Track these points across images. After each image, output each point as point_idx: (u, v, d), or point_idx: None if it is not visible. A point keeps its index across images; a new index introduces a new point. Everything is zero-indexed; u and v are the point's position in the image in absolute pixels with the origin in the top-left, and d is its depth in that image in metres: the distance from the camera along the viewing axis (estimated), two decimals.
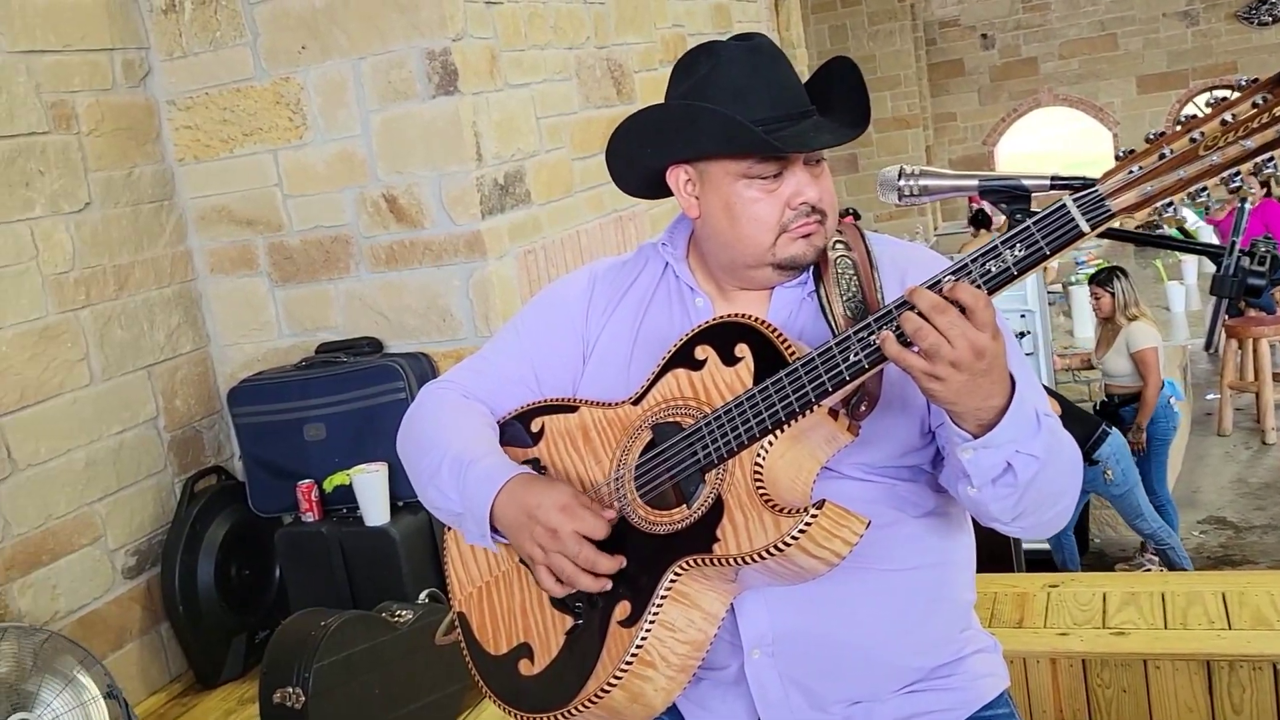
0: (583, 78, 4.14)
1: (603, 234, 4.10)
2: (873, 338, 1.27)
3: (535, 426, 1.58)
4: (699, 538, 1.34)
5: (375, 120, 3.46)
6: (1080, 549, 5.98)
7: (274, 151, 3.59)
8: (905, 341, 1.24)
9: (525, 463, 1.53)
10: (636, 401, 1.47)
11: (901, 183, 1.44)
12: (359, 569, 3.43)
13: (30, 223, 3.26)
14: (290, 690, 2.81)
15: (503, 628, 1.56)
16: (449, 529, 1.66)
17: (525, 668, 1.50)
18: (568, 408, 1.55)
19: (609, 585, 1.39)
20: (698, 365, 1.41)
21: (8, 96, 3.20)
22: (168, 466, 3.68)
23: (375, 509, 3.40)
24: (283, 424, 3.57)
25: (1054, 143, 18.73)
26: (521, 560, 1.50)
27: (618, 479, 1.45)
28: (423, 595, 3.20)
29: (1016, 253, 1.24)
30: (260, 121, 3.58)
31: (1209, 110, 1.22)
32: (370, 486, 3.39)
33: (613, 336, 1.57)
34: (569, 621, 1.46)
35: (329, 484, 3.47)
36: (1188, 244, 1.82)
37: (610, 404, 1.50)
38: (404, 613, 3.07)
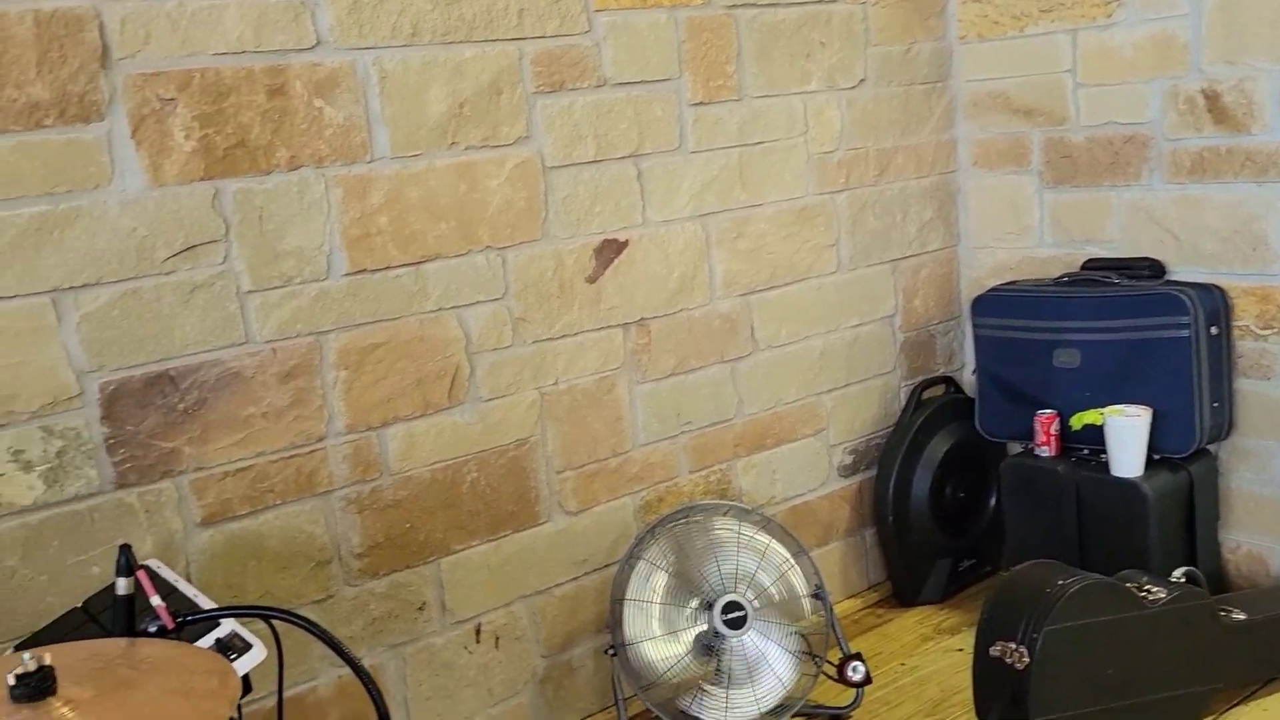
0: None
1: None
2: None
3: None
4: None
5: None
6: None
7: (1072, 32, 3.13)
8: None
9: None
10: None
11: None
12: (1095, 522, 2.96)
13: (805, 97, 3.13)
14: (1013, 646, 2.45)
15: None
16: None
17: None
18: None
19: None
20: None
21: None
22: (896, 369, 3.47)
23: (1127, 458, 2.90)
24: (1030, 343, 3.16)
25: None
26: None
27: None
28: (1178, 573, 2.66)
29: None
30: None
31: None
32: (1127, 432, 2.88)
33: None
34: None
35: (1077, 421, 3.01)
36: None
37: None
38: (1156, 589, 2.56)
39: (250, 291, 2.28)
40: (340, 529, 2.45)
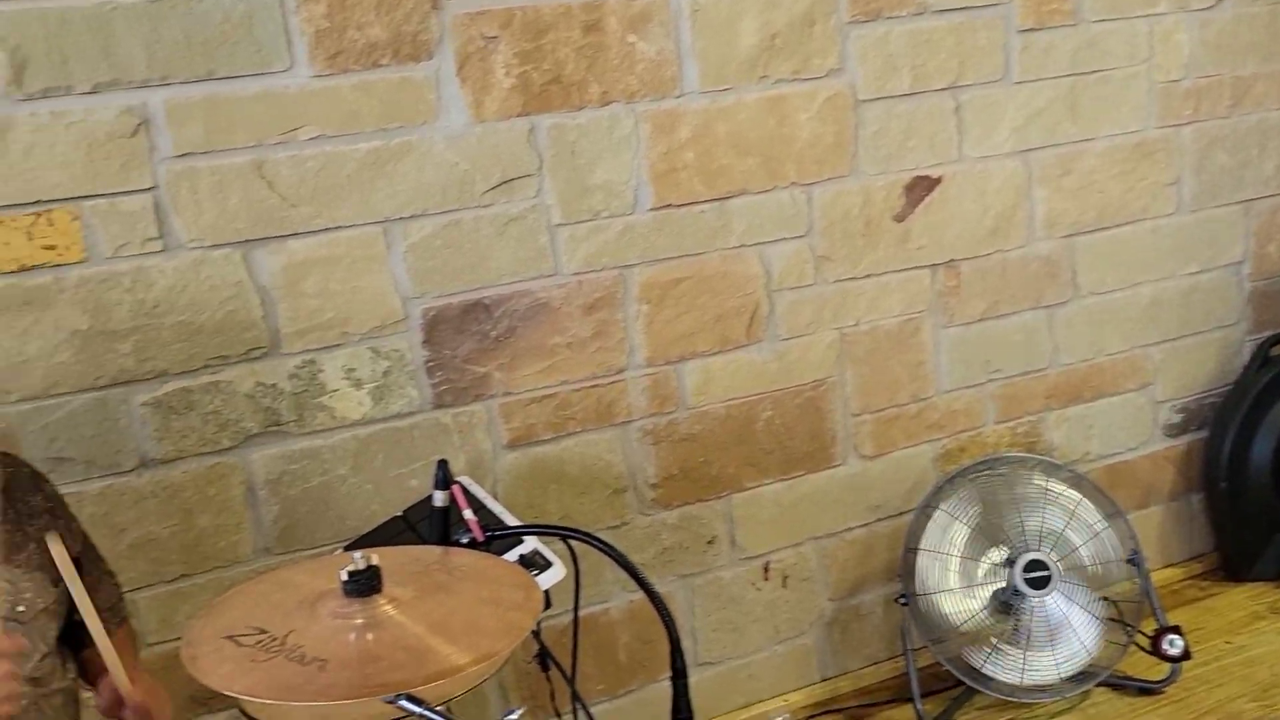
0: None
1: None
2: None
3: None
4: None
5: None
6: None
7: None
8: None
9: None
10: None
11: None
12: None
13: (1151, 19, 2.85)
14: None
15: None
16: None
17: None
18: None
19: None
20: None
21: None
22: (1241, 321, 3.15)
23: None
24: None
25: None
26: None
27: None
28: None
29: None
30: None
31: None
32: None
33: None
34: None
35: None
36: None
37: None
38: None
39: (560, 225, 2.35)
40: (636, 459, 2.51)
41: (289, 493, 2.22)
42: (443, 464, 1.81)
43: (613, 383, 2.46)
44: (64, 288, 2.01)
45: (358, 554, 1.44)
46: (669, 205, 2.44)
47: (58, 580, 1.68)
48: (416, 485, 2.29)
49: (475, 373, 2.34)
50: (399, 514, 2.09)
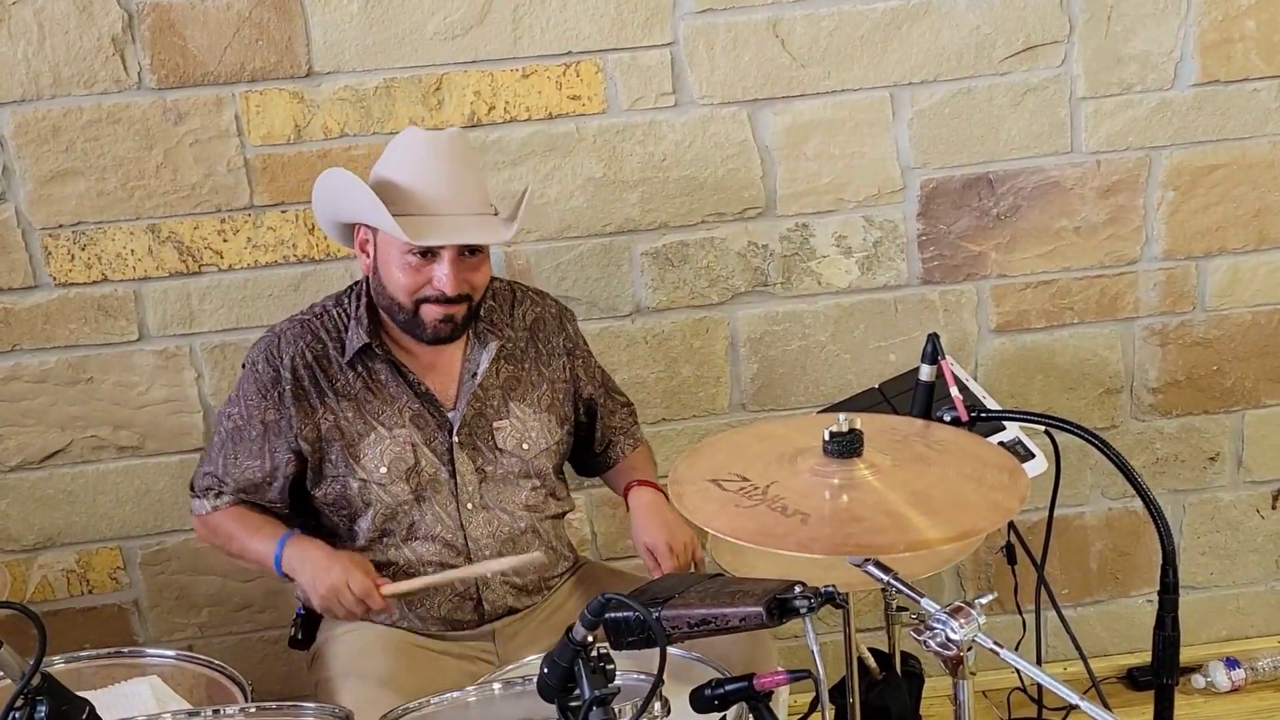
0: None
1: None
2: None
3: None
4: None
5: None
6: None
7: None
8: None
9: None
10: None
11: None
12: None
13: None
14: None
15: None
16: None
17: None
18: None
19: None
20: None
21: None
22: None
23: None
24: None
25: None
26: None
27: None
28: None
29: None
30: None
31: None
32: None
33: None
34: None
35: None
36: None
37: None
38: None
39: (1084, 98, 2.14)
40: (1137, 359, 2.30)
41: (768, 353, 2.25)
42: (934, 338, 1.74)
43: (1121, 274, 2.25)
44: (584, 137, 2.11)
45: (841, 416, 1.42)
46: (1215, 81, 2.14)
47: (564, 422, 1.83)
48: (894, 360, 2.24)
49: (970, 251, 2.22)
50: (875, 386, 2.06)
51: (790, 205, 2.18)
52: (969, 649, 1.16)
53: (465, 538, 1.72)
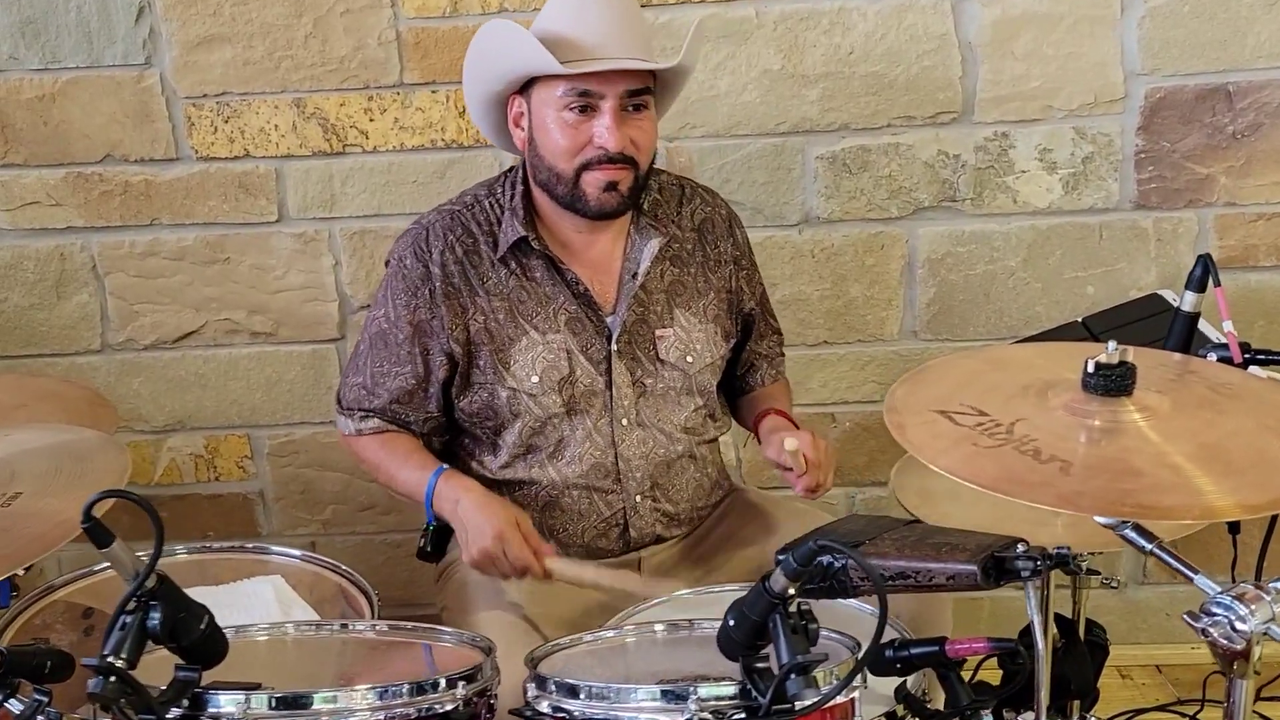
0: None
1: None
2: None
3: None
4: None
5: None
6: None
7: None
8: None
9: None
10: None
11: None
12: None
13: None
14: None
15: None
16: None
17: None
18: None
19: None
20: None
21: None
22: None
23: None
24: None
25: None
26: None
27: None
28: None
29: None
30: None
31: None
32: None
33: None
34: None
35: None
36: None
37: None
38: None
39: None
40: None
41: (949, 276, 2.03)
42: (1206, 259, 1.46)
43: None
44: (763, 23, 1.91)
45: (1111, 344, 1.16)
46: None
47: (729, 336, 1.65)
48: (1091, 293, 2.00)
49: (1196, 173, 1.95)
50: (1077, 320, 1.82)
51: (990, 111, 1.94)
52: (1258, 641, 0.93)
53: (616, 456, 1.56)
